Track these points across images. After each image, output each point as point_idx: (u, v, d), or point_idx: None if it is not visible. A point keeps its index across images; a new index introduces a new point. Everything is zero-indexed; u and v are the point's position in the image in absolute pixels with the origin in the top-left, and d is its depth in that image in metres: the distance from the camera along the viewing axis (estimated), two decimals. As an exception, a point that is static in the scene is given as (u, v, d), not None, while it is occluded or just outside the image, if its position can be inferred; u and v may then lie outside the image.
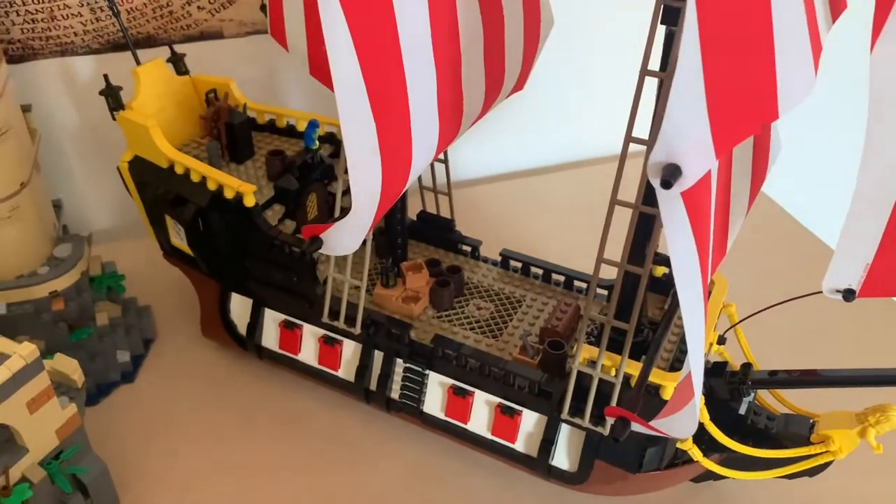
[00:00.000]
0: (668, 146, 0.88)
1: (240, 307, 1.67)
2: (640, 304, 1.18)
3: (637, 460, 1.34)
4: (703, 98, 0.85)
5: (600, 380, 1.26)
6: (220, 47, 1.98)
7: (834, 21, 1.03)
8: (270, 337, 1.64)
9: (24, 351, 1.16)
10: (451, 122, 1.27)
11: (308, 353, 1.61)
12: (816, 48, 0.92)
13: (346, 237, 1.20)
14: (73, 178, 2.05)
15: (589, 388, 1.28)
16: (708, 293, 1.26)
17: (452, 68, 1.22)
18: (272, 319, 1.62)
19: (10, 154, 1.51)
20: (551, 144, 2.51)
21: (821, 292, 1.10)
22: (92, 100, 1.97)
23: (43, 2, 1.77)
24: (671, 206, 0.92)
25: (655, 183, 0.90)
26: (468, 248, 1.71)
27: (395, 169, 1.13)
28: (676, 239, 0.94)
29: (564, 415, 1.32)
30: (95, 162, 2.03)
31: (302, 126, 1.72)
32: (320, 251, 1.24)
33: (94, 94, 1.97)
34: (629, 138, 1.05)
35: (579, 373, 1.27)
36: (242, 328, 1.67)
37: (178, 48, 1.69)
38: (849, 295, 1.08)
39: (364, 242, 1.31)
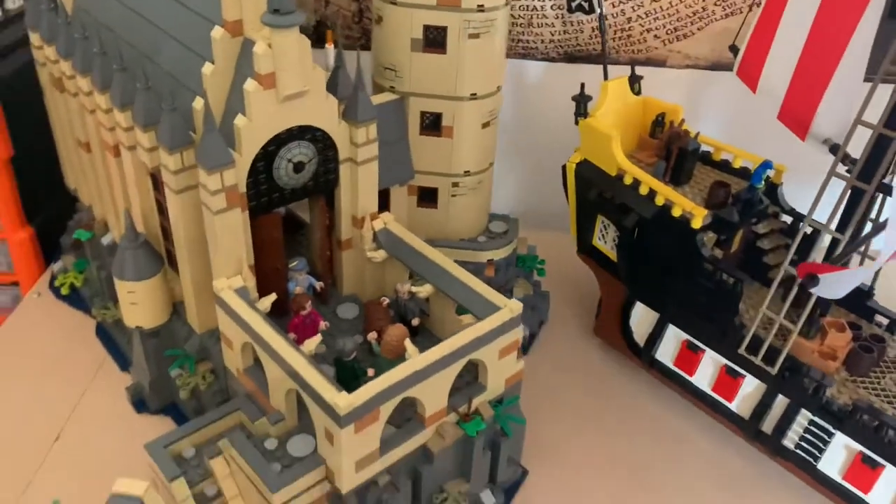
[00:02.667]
0: None
1: (641, 317, 1.77)
2: None
3: None
4: None
5: None
6: (656, 74, 2.10)
7: None
8: (667, 352, 1.73)
9: (514, 307, 1.36)
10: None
11: (703, 377, 1.67)
12: None
13: (845, 284, 1.24)
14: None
15: None
16: None
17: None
18: (674, 337, 1.71)
19: (492, 136, 1.75)
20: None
21: None
22: (531, 100, 2.22)
23: (527, 10, 2.01)
24: None
25: None
26: (884, 321, 1.67)
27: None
28: None
29: None
30: (514, 156, 2.26)
31: (738, 163, 1.78)
32: (813, 290, 1.29)
33: (534, 95, 2.21)
34: None
35: None
36: (639, 336, 1.78)
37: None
38: None
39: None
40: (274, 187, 1.40)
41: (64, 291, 1.91)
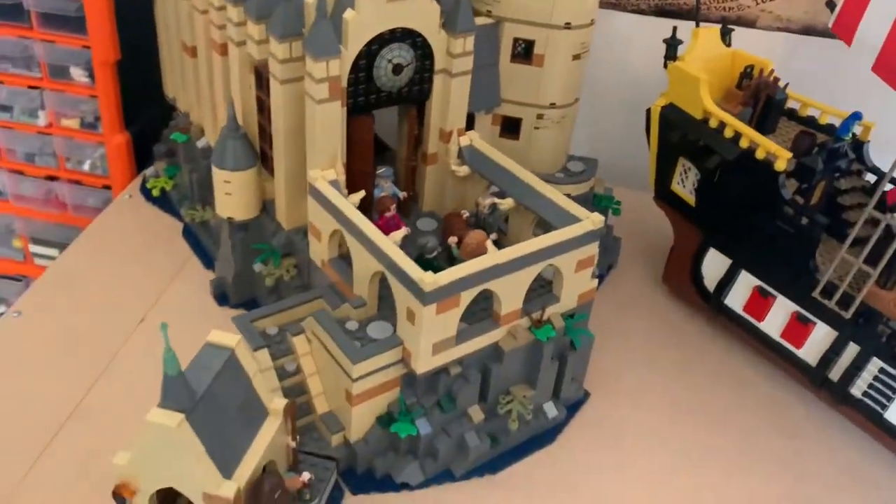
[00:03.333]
0: None
1: (713, 262, 1.78)
2: None
3: None
4: None
5: None
6: (745, 34, 2.10)
7: None
8: (737, 299, 1.73)
9: (595, 219, 1.38)
10: None
11: (772, 324, 1.67)
12: None
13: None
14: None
15: None
16: None
17: None
18: (745, 283, 1.71)
19: (581, 70, 1.78)
20: None
21: None
22: (616, 51, 2.23)
23: (623, -41, 2.03)
24: None
25: None
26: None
27: None
28: None
29: None
30: (596, 109, 2.27)
31: (824, 119, 1.78)
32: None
33: (620, 46, 2.22)
34: None
35: None
36: (709, 282, 1.79)
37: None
38: None
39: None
40: (372, 88, 1.45)
41: (155, 194, 2.01)
